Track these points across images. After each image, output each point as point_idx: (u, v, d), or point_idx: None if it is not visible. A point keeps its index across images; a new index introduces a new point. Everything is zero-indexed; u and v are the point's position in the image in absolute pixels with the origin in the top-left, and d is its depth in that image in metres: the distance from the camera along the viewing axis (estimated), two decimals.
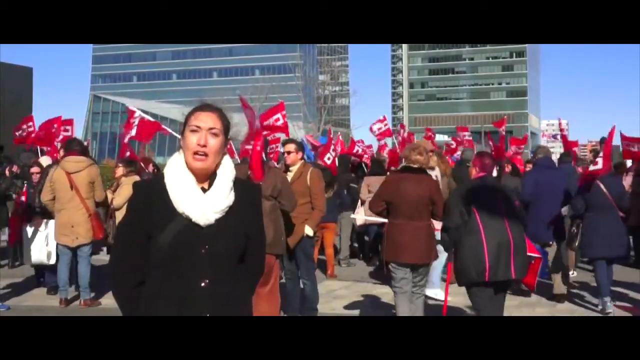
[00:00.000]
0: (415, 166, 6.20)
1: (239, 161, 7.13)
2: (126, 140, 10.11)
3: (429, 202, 6.07)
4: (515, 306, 7.95)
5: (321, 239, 10.00)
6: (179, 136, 2.92)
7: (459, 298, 8.36)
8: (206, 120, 2.50)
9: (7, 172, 8.60)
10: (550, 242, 8.20)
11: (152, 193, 2.52)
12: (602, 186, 7.64)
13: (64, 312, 7.70)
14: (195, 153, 2.47)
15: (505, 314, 7.42)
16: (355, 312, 7.72)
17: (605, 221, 7.56)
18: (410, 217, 6.03)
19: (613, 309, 7.51)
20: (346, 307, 7.97)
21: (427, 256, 6.08)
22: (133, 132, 9.71)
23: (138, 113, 9.86)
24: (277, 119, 8.94)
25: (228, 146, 2.63)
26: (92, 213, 7.97)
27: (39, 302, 8.33)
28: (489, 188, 5.84)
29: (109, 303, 7.97)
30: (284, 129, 8.93)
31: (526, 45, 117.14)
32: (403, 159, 6.55)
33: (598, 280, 7.70)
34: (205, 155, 2.47)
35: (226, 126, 2.56)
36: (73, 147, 8.15)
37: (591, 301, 8.13)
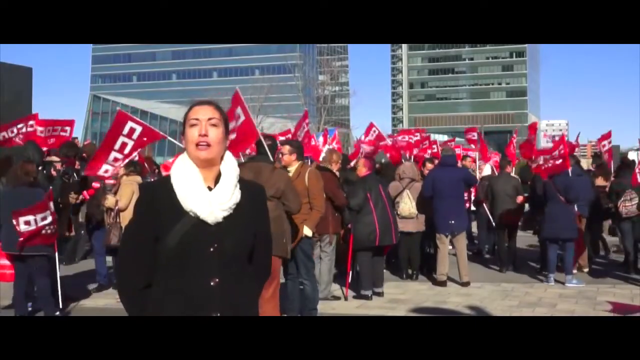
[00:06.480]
0: (322, 165, 8.44)
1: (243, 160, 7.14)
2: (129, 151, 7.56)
3: (329, 193, 7.81)
4: (515, 306, 7.96)
5: None
6: (174, 141, 2.91)
7: (459, 298, 8.39)
8: (204, 112, 2.53)
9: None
10: (447, 234, 9.18)
11: (158, 194, 2.52)
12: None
13: (69, 312, 7.69)
14: (198, 144, 2.49)
15: (506, 314, 7.49)
16: (356, 312, 7.73)
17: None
18: None
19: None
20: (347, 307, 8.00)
21: (327, 230, 7.97)
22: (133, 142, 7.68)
23: (129, 125, 7.28)
24: (304, 126, 10.69)
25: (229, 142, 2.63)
26: None
27: None
28: (376, 181, 8.60)
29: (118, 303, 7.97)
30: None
31: (526, 45, 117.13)
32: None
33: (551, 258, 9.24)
34: (208, 145, 2.49)
35: (224, 117, 2.59)
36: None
37: (590, 301, 8.15)
